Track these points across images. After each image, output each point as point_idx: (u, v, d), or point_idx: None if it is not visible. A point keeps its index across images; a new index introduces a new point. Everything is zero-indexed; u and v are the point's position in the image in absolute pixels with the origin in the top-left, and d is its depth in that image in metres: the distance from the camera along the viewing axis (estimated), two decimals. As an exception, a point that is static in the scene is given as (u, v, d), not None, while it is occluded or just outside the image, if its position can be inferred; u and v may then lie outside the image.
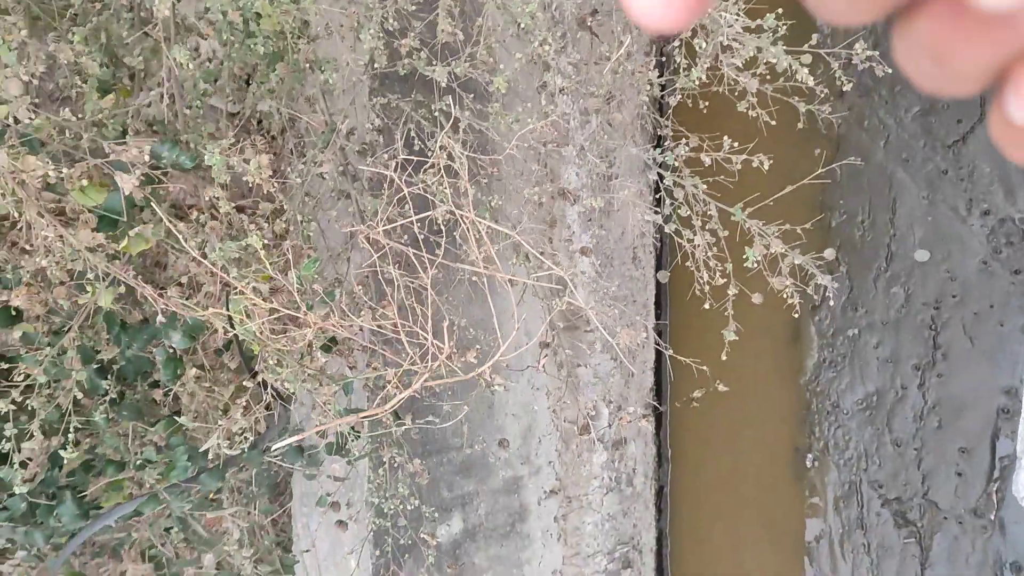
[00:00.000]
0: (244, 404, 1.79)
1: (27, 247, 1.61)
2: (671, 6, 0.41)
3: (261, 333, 1.54)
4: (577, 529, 3.76)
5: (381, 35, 1.92)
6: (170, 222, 1.39)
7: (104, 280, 1.78)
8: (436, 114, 1.98)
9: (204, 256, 1.73)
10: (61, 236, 1.38)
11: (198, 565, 2.40)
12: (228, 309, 1.65)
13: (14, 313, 1.84)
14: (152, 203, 1.43)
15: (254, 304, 1.52)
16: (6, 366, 1.81)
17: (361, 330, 1.97)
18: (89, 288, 1.79)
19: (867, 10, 0.37)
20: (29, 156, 1.27)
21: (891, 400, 3.71)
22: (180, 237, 1.40)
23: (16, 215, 1.34)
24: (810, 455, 3.84)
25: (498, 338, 1.94)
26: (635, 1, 0.41)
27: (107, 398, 2.07)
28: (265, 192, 1.71)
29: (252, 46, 1.92)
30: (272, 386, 1.88)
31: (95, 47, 1.76)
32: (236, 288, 1.54)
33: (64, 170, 1.33)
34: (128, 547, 2.80)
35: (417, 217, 1.67)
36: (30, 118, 1.29)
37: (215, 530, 2.72)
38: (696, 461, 4.06)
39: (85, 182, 1.36)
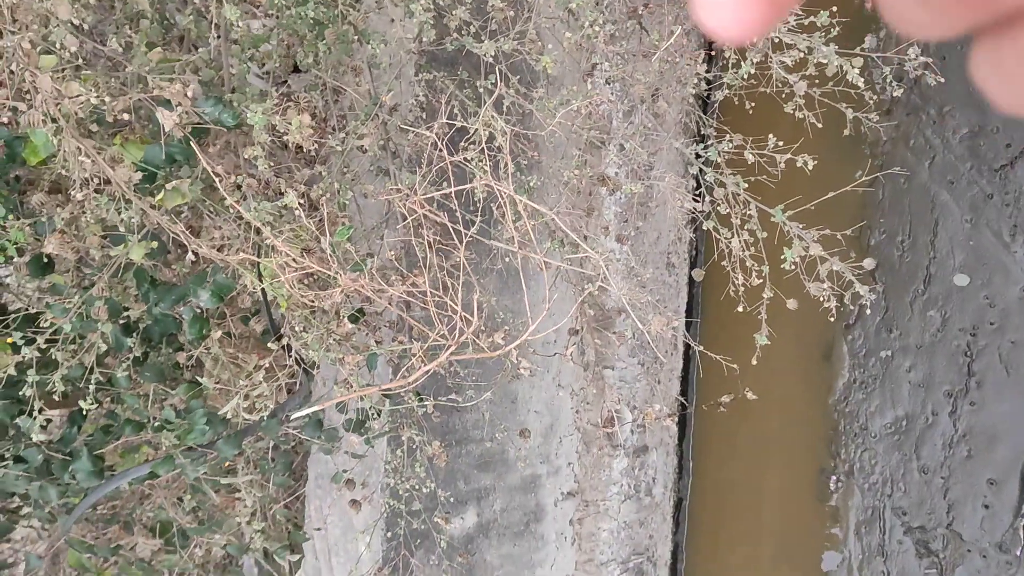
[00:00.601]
0: (266, 367, 1.78)
1: (67, 192, 1.61)
2: (746, 17, 0.40)
3: (291, 289, 1.53)
4: (592, 535, 3.71)
5: (431, 8, 1.91)
6: (209, 166, 1.38)
7: (137, 234, 1.78)
8: (481, 91, 1.96)
9: (239, 216, 1.72)
10: (95, 178, 1.38)
11: (209, 535, 2.38)
12: (260, 268, 1.63)
13: (46, 261, 1.84)
14: (192, 145, 1.42)
15: (285, 263, 1.51)
16: (34, 311, 1.81)
17: (391, 303, 1.96)
18: (122, 242, 1.78)
19: (952, 24, 0.36)
20: (72, 82, 1.26)
21: (921, 426, 3.64)
22: (217, 181, 1.39)
23: (55, 144, 1.34)
24: (834, 477, 3.77)
25: (528, 322, 1.91)
26: (709, 13, 0.41)
27: (131, 356, 2.06)
28: (305, 153, 1.70)
29: (303, 14, 1.92)
30: (296, 353, 1.87)
31: (150, 1, 1.76)
32: (270, 245, 1.52)
33: (106, 99, 1.32)
34: (138, 519, 2.80)
35: (455, 188, 1.65)
36: (72, 22, 1.29)
37: (227, 510, 2.71)
38: (718, 475, 4.00)
39: (126, 116, 1.36)
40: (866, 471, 3.72)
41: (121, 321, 2.00)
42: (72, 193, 1.44)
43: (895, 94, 2.08)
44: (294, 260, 1.51)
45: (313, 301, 1.59)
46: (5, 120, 1.34)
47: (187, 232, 1.48)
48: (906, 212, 3.56)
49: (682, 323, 3.65)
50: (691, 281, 3.67)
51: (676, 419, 3.62)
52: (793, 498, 3.84)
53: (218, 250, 1.57)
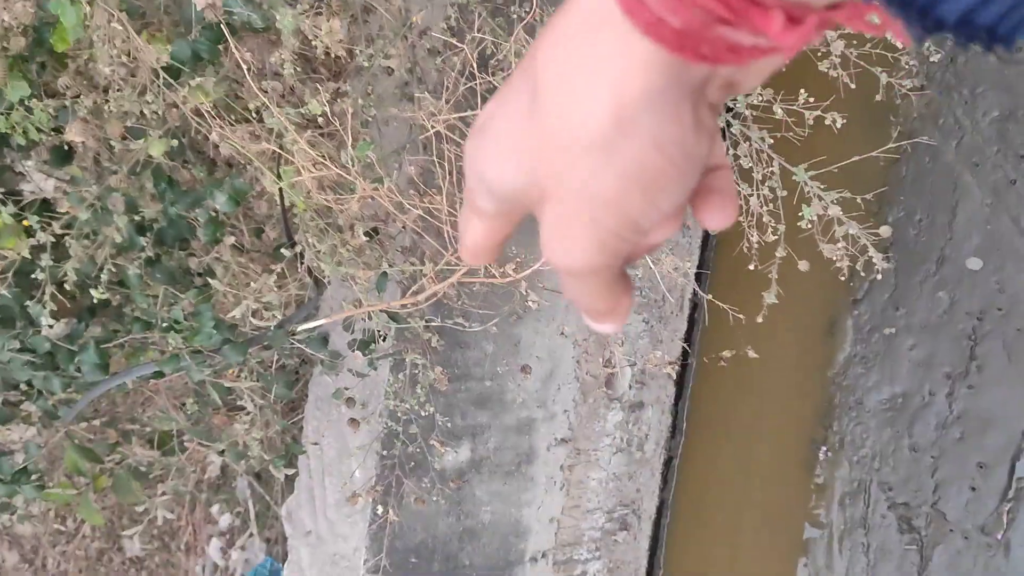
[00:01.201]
0: (277, 272, 1.79)
1: (92, 80, 1.61)
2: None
3: (310, 188, 1.53)
4: (581, 482, 3.75)
5: (471, -72, 1.88)
6: (237, 51, 1.38)
7: (158, 131, 1.78)
8: (514, 18, 1.95)
9: (261, 120, 1.72)
10: (127, 53, 1.37)
11: (208, 443, 2.41)
12: (280, 171, 1.64)
13: (67, 150, 1.84)
14: (224, 31, 1.42)
15: (305, 166, 1.51)
16: (51, 197, 1.81)
17: (405, 228, 1.96)
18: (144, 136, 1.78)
19: None
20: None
21: (916, 404, 3.65)
22: (244, 70, 1.38)
23: (88, 14, 1.33)
24: (824, 447, 3.79)
25: (540, 257, 1.91)
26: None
27: (143, 256, 2.07)
28: (332, 64, 1.69)
29: (339, -77, 1.89)
30: (308, 264, 1.87)
31: None
32: (292, 148, 1.52)
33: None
34: (137, 431, 2.83)
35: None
36: None
37: (225, 429, 2.74)
38: (710, 437, 4.03)
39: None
40: (857, 444, 3.75)
41: (136, 220, 2.01)
42: (101, 67, 1.44)
43: (932, 59, 2.06)
44: (314, 165, 1.51)
45: (331, 204, 1.59)
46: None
47: (213, 115, 1.48)
48: (927, 190, 3.54)
49: (691, 284, 3.66)
50: (704, 240, 3.66)
51: (675, 371, 3.64)
52: (781, 466, 3.88)
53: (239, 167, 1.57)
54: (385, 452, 2.45)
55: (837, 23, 0.39)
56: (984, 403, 3.45)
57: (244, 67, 1.40)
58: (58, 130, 1.90)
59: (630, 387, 3.83)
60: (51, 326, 1.97)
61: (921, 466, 3.55)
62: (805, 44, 0.38)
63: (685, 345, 3.80)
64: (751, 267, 2.39)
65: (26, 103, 1.60)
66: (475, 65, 1.72)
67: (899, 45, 1.93)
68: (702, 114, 0.41)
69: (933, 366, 3.53)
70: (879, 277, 3.23)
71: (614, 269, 0.46)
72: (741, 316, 2.40)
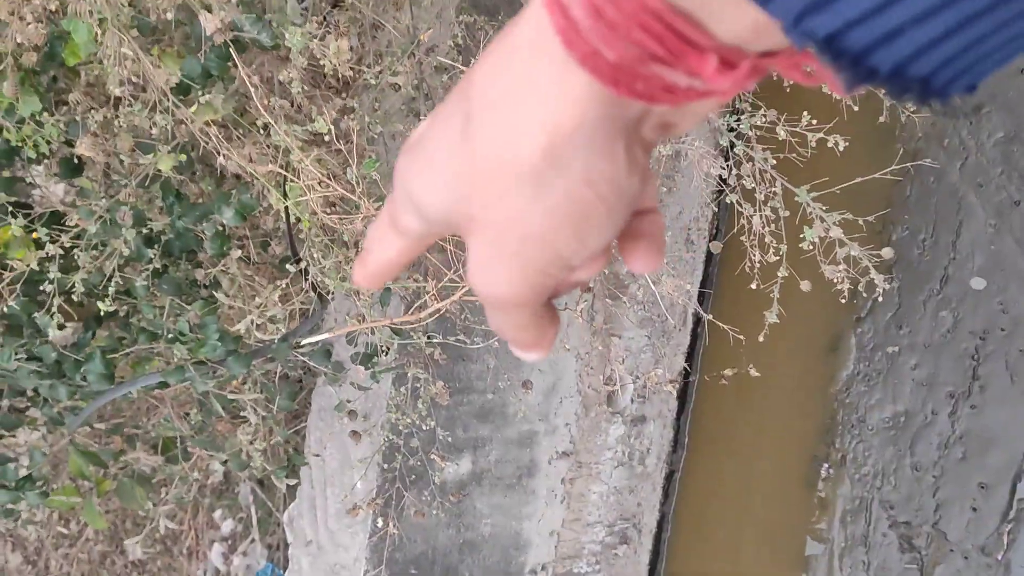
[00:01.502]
0: (282, 287, 1.81)
1: (103, 95, 1.63)
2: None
3: (315, 208, 1.55)
4: (582, 496, 3.76)
5: (478, -50, 1.91)
6: (246, 74, 1.40)
7: (167, 145, 1.80)
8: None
9: (268, 135, 1.74)
10: (133, 76, 1.40)
11: (211, 451, 2.43)
12: (286, 188, 1.66)
13: (76, 163, 1.87)
14: (231, 51, 1.44)
15: (311, 184, 1.53)
16: (62, 209, 1.84)
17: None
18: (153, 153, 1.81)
19: None
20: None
21: (919, 423, 3.65)
22: (252, 90, 1.41)
23: (99, 34, 1.36)
24: (826, 464, 3.80)
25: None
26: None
27: (150, 268, 2.09)
28: (339, 82, 1.71)
29: (349, -58, 1.92)
30: (313, 279, 1.89)
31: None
32: (297, 166, 1.54)
33: (153, -3, 1.34)
34: (141, 437, 2.85)
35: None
36: None
37: (229, 436, 2.76)
38: (712, 452, 4.04)
39: (168, 16, 1.37)
40: (859, 462, 3.75)
41: (144, 232, 2.03)
42: (110, 89, 1.46)
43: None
44: (320, 183, 1.53)
45: (336, 223, 1.61)
46: (53, 8, 1.36)
47: (220, 138, 1.50)
48: (931, 210, 3.55)
49: (694, 299, 3.67)
50: (707, 258, 3.67)
51: (677, 388, 3.65)
52: (783, 482, 3.88)
53: (249, 161, 1.59)
54: (386, 465, 2.46)
55: (772, 71, 0.39)
56: (986, 423, 3.45)
57: (252, 89, 1.42)
58: (69, 142, 1.92)
59: (632, 401, 3.84)
60: (61, 328, 1.99)
61: (923, 485, 3.55)
62: (739, 90, 0.39)
63: (687, 361, 3.81)
64: (753, 286, 2.40)
65: (37, 117, 1.63)
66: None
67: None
68: (635, 152, 0.41)
69: (936, 385, 3.53)
70: (880, 299, 3.25)
71: (539, 302, 0.45)
72: (741, 336, 2.40)
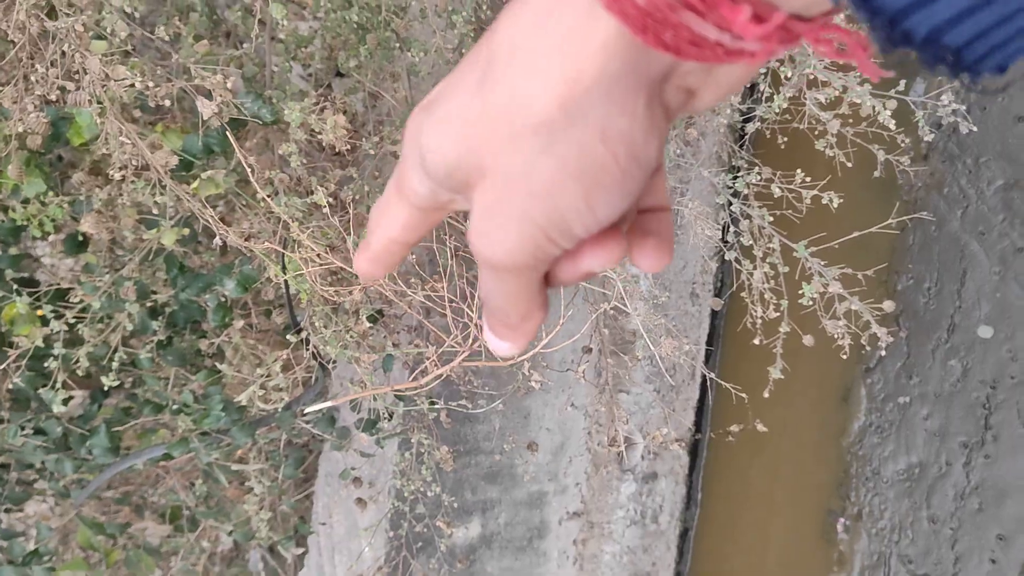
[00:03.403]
0: (284, 358, 1.82)
1: (106, 174, 1.66)
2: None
3: (313, 283, 1.57)
4: (595, 556, 3.71)
5: (472, 22, 1.95)
6: (243, 155, 1.42)
7: (170, 220, 1.83)
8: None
9: (269, 211, 1.77)
10: (134, 159, 1.43)
11: (218, 521, 2.42)
12: (284, 263, 1.68)
13: (81, 240, 1.90)
14: (228, 135, 1.47)
15: (310, 258, 1.55)
16: (66, 286, 1.86)
17: (410, 307, 1.99)
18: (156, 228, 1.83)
19: None
20: (120, 66, 1.32)
21: (933, 475, 3.61)
22: (250, 173, 1.43)
23: (99, 125, 1.39)
24: (843, 519, 3.74)
25: (543, 337, 1.94)
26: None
27: (155, 340, 2.11)
28: (339, 155, 1.74)
29: (347, 17, 1.97)
30: (314, 348, 1.90)
31: (198, -4, 1.82)
32: (296, 240, 1.56)
33: (151, 84, 1.38)
34: (149, 504, 2.84)
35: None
36: (125, 9, 1.34)
37: (236, 502, 2.75)
38: (726, 508, 3.99)
39: (167, 103, 1.41)
40: (875, 516, 3.70)
41: (148, 304, 2.05)
42: (111, 174, 1.49)
43: (927, 139, 2.09)
44: (318, 256, 1.55)
45: (334, 296, 1.62)
46: (54, 98, 1.40)
47: (217, 220, 1.53)
48: (935, 259, 3.55)
49: (701, 353, 3.66)
50: (713, 312, 3.67)
51: (685, 445, 3.62)
52: (799, 537, 3.82)
53: (246, 239, 1.61)
54: (393, 532, 2.44)
55: (804, 40, 0.38)
56: (1001, 473, 3.41)
57: (248, 169, 1.45)
58: (74, 218, 1.96)
59: (643, 457, 3.81)
60: (66, 403, 2.00)
61: (940, 538, 3.50)
62: (768, 55, 0.37)
63: (697, 415, 3.79)
64: (756, 341, 2.40)
65: (42, 198, 1.66)
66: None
67: (891, 126, 1.97)
68: (656, 114, 0.39)
69: (948, 435, 3.50)
70: (889, 349, 3.24)
71: (536, 274, 0.44)
72: (744, 395, 2.40)
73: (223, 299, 1.92)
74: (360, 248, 0.51)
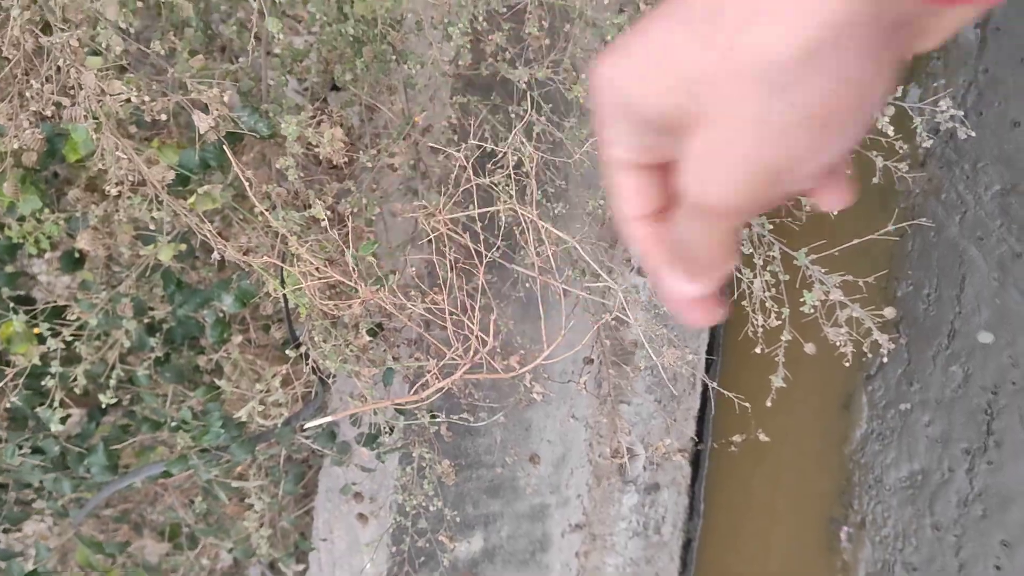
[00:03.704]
0: (283, 373, 1.80)
1: (102, 190, 1.65)
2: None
3: (312, 297, 1.56)
4: (597, 568, 3.69)
5: (469, 33, 1.94)
6: (240, 169, 1.42)
7: (167, 235, 1.82)
8: (512, 117, 1.99)
9: (267, 225, 1.76)
10: (130, 175, 1.42)
11: (218, 538, 2.40)
12: (283, 276, 1.67)
13: (77, 257, 1.89)
14: (225, 149, 1.46)
15: (308, 272, 1.54)
16: (62, 303, 1.85)
17: (410, 320, 1.98)
18: (152, 243, 1.82)
19: None
20: (115, 81, 1.31)
21: (936, 481, 3.59)
22: (248, 187, 1.43)
23: (95, 141, 1.38)
24: (846, 527, 3.73)
25: (544, 349, 1.93)
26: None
27: (152, 356, 2.10)
28: (336, 168, 1.73)
29: (342, 31, 1.96)
30: (313, 362, 1.89)
31: (195, 10, 1.81)
32: (294, 253, 1.55)
33: (146, 99, 1.37)
34: (148, 522, 2.82)
35: (481, 211, 1.68)
36: (120, 24, 1.33)
37: (235, 518, 2.73)
38: (729, 518, 3.97)
39: (163, 117, 1.40)
40: (878, 524, 3.68)
41: (145, 321, 2.04)
42: (107, 190, 1.48)
43: (925, 145, 2.09)
44: (317, 269, 1.54)
45: (333, 310, 1.61)
46: (49, 114, 1.39)
47: (215, 234, 1.52)
48: (933, 266, 3.55)
49: (702, 363, 3.65)
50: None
51: (687, 456, 3.60)
52: (802, 546, 3.81)
53: (244, 254, 1.60)
54: (395, 547, 2.42)
55: None
56: (1004, 479, 3.39)
57: (246, 183, 1.44)
58: (70, 235, 1.94)
59: (645, 468, 3.79)
60: (63, 421, 1.98)
61: (944, 545, 3.48)
62: None
63: (699, 424, 3.77)
64: (758, 350, 2.39)
65: (37, 215, 1.65)
66: (472, 168, 1.77)
67: (890, 132, 1.96)
68: (888, 59, 0.38)
69: (951, 442, 3.48)
70: (890, 356, 3.23)
71: (751, 215, 0.43)
72: (747, 404, 2.39)
73: (221, 314, 1.91)
74: (621, 224, 0.50)
